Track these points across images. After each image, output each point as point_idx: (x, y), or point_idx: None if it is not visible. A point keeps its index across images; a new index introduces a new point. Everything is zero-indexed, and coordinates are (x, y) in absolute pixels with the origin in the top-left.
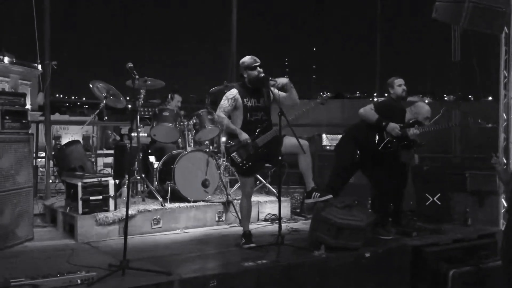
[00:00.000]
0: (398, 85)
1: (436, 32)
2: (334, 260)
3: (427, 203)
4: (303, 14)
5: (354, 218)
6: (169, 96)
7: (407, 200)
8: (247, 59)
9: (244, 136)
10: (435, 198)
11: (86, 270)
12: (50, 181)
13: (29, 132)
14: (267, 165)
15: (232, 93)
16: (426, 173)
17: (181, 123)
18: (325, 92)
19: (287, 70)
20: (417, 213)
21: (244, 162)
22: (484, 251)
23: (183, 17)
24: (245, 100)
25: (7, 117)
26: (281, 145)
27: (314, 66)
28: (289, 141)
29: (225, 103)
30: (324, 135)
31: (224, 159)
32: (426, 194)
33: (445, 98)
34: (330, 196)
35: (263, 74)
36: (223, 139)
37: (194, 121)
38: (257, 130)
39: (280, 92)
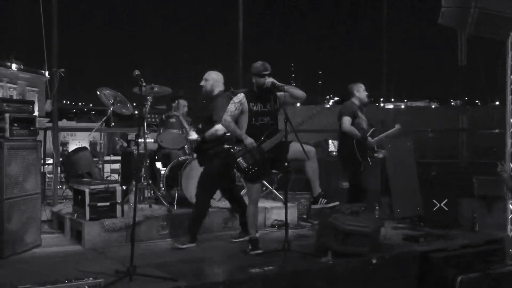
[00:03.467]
0: (364, 90)
1: (443, 37)
2: (341, 266)
3: (434, 209)
4: (310, 19)
5: (360, 224)
6: (176, 102)
7: (414, 205)
8: (257, 65)
9: (249, 140)
10: (442, 204)
11: (94, 276)
12: (58, 187)
13: (37, 139)
14: (274, 171)
15: (239, 98)
16: (433, 178)
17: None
18: (331, 96)
19: (293, 75)
20: (424, 219)
21: (250, 167)
22: (492, 256)
23: (189, 23)
24: (251, 104)
25: (15, 124)
26: (287, 151)
27: (320, 72)
28: (294, 147)
29: (231, 107)
30: (330, 141)
31: None
32: (433, 200)
33: (452, 103)
34: (337, 202)
35: (270, 83)
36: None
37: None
38: (264, 135)
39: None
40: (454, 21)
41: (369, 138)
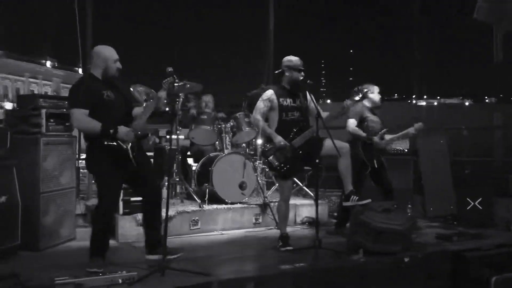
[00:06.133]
0: (378, 92)
1: (478, 32)
2: (373, 265)
3: (468, 208)
4: (341, 15)
5: (393, 222)
6: (201, 98)
7: (448, 204)
8: (295, 59)
9: (278, 139)
10: (476, 203)
11: (127, 270)
12: (92, 182)
13: (72, 134)
14: (306, 168)
15: (267, 94)
16: (467, 177)
17: (219, 126)
18: (361, 87)
19: (323, 72)
20: (457, 218)
21: (282, 165)
22: None
23: (220, 19)
24: (280, 99)
25: (51, 120)
26: (320, 147)
27: (351, 68)
28: (328, 144)
29: (260, 104)
30: None
31: (261, 161)
32: (467, 198)
33: (486, 101)
34: (369, 200)
35: (308, 80)
36: (260, 141)
37: (232, 123)
38: (294, 131)
39: (313, 104)
40: (489, 16)
41: (376, 139)
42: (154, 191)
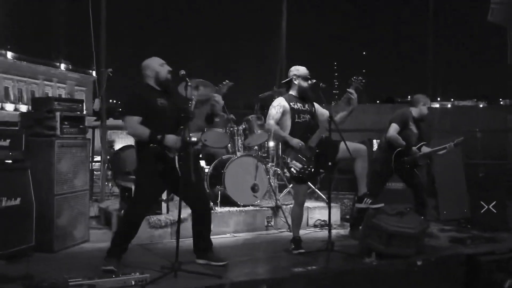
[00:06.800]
0: (428, 106)
1: (492, 34)
2: (385, 268)
3: (482, 211)
4: (353, 16)
5: (405, 225)
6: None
7: (461, 207)
8: (302, 68)
9: (295, 141)
10: (490, 206)
11: (140, 272)
12: (105, 184)
13: (86, 137)
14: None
15: (278, 101)
16: (481, 180)
17: (231, 128)
18: (357, 77)
19: (336, 74)
20: (471, 221)
21: (305, 166)
22: None
23: (231, 20)
24: (291, 104)
25: (65, 123)
26: (336, 150)
27: (364, 70)
28: (343, 146)
29: (273, 111)
30: (374, 141)
31: (273, 163)
32: (481, 202)
33: (501, 103)
34: (382, 204)
35: (314, 80)
36: (272, 144)
37: (244, 126)
38: (307, 133)
39: (321, 110)
40: (504, 18)
41: (415, 150)
42: (201, 202)
